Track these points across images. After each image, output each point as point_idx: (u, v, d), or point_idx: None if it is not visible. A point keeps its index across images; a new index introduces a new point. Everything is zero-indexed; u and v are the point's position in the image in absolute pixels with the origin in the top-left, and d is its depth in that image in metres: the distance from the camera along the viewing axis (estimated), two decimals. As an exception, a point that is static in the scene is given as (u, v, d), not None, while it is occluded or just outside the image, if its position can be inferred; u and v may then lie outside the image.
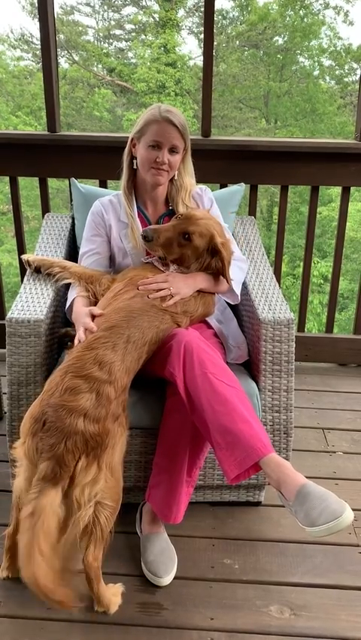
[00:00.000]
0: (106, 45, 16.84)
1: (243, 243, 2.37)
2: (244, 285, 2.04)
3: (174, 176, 2.01)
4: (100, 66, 16.00)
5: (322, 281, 10.29)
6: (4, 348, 1.82)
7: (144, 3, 16.30)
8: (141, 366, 1.67)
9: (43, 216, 2.54)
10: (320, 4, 15.24)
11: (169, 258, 1.84)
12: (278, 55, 15.45)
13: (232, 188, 2.45)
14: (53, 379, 1.54)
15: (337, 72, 15.67)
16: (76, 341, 1.68)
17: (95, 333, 1.63)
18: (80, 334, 1.68)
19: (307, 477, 1.47)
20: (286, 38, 15.45)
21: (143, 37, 16.03)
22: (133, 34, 16.42)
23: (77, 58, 15.94)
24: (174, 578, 1.72)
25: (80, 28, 16.34)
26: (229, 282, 1.88)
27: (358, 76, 15.49)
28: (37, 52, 15.30)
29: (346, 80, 15.43)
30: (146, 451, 1.85)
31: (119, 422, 1.54)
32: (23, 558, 1.34)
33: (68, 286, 1.99)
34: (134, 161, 1.99)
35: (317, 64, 15.56)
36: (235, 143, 2.72)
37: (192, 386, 1.60)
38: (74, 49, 15.90)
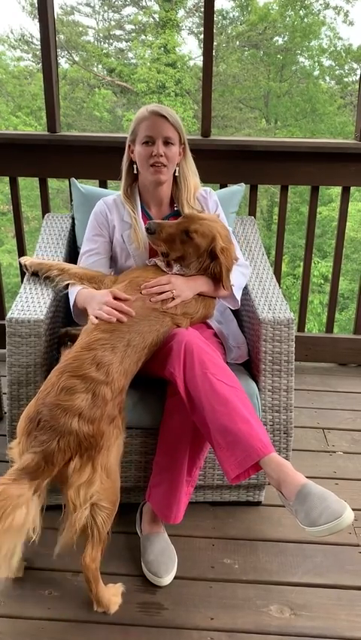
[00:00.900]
0: (106, 45, 16.85)
1: (243, 243, 2.37)
2: (244, 285, 2.04)
3: (177, 176, 2.00)
4: (100, 66, 16.01)
5: (322, 281, 10.29)
6: (5, 348, 1.82)
7: (144, 3, 16.31)
8: (139, 368, 1.67)
9: (43, 216, 2.54)
10: (320, 5, 15.25)
11: (171, 255, 1.84)
12: (278, 56, 15.46)
13: (232, 188, 2.45)
14: (49, 379, 1.54)
15: (337, 72, 15.69)
16: (91, 322, 1.67)
17: (95, 335, 1.63)
18: (99, 313, 1.66)
19: (307, 477, 1.47)
20: (286, 38, 15.47)
21: (143, 37, 16.04)
22: (133, 34, 16.42)
23: (77, 59, 15.95)
24: (174, 578, 1.72)
25: (80, 29, 16.35)
26: (226, 289, 1.86)
27: (358, 76, 15.47)
28: (38, 53, 15.30)
29: (346, 80, 15.45)
30: (146, 451, 1.85)
31: (115, 424, 1.54)
32: None
33: (67, 287, 1.97)
34: (134, 165, 1.99)
35: (317, 64, 15.58)
36: (235, 143, 2.72)
37: (193, 386, 1.60)
38: (74, 49, 15.91)
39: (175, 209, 2.04)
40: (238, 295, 1.95)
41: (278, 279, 2.71)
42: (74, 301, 1.87)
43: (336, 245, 2.86)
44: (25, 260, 2.04)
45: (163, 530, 1.82)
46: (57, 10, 7.50)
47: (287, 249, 10.98)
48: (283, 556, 1.82)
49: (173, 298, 1.76)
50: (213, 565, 1.79)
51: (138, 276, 1.84)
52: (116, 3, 16.68)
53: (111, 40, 16.91)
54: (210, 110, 2.62)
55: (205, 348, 1.67)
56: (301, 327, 2.97)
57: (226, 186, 2.61)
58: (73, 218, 2.39)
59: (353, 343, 2.96)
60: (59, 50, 13.54)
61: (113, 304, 1.68)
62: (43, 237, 2.31)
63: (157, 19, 15.56)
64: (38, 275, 2.00)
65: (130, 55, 16.48)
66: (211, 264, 1.84)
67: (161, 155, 1.90)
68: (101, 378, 1.51)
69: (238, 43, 15.50)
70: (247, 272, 2.03)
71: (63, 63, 15.77)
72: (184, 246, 1.82)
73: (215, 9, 2.49)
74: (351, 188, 2.79)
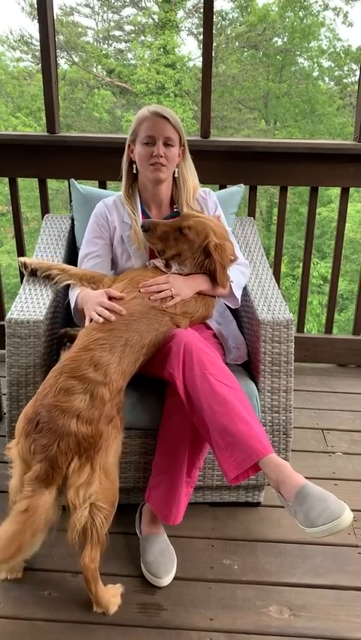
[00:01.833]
0: (105, 46, 16.85)
1: (242, 243, 2.37)
2: (244, 286, 2.04)
3: (176, 177, 2.01)
4: (99, 67, 16.01)
5: (321, 282, 10.30)
6: (4, 349, 1.82)
7: (143, 4, 16.32)
8: (138, 369, 1.67)
9: (42, 217, 2.54)
10: (320, 6, 15.26)
11: (167, 252, 1.84)
12: (278, 56, 15.46)
13: (232, 189, 2.45)
14: (47, 379, 1.54)
15: (336, 73, 15.69)
16: (87, 322, 1.69)
17: (93, 334, 1.63)
18: (92, 314, 1.68)
19: (306, 477, 1.47)
20: (285, 39, 15.47)
21: (142, 38, 16.04)
22: (132, 35, 16.42)
23: (76, 59, 15.95)
24: (174, 579, 1.72)
25: (80, 30, 16.35)
26: (222, 286, 1.86)
27: (357, 77, 15.48)
28: (37, 54, 15.29)
29: (345, 81, 15.45)
30: (145, 452, 1.85)
31: (114, 424, 1.54)
32: (2, 543, 1.36)
33: (67, 288, 1.98)
34: (134, 165, 1.99)
35: (316, 65, 15.59)
36: (235, 144, 2.72)
37: (192, 387, 1.60)
38: (74, 50, 15.90)
39: (175, 210, 2.04)
40: (238, 294, 1.95)
41: (277, 280, 2.71)
42: (75, 304, 1.88)
43: (335, 246, 2.86)
44: (24, 259, 2.04)
45: (162, 531, 1.82)
46: (56, 11, 7.52)
47: (286, 250, 11.00)
48: (283, 557, 1.82)
49: (172, 297, 1.76)
50: (213, 565, 1.79)
51: (137, 275, 1.84)
52: (116, 4, 16.69)
53: (111, 41, 16.92)
54: (210, 110, 2.62)
55: (205, 349, 1.67)
56: (300, 327, 2.96)
57: (226, 187, 2.61)
58: (72, 219, 2.39)
59: (353, 344, 2.96)
60: (58, 51, 13.48)
61: (107, 304, 1.69)
62: (43, 238, 2.31)
63: (156, 20, 15.56)
64: (37, 274, 2.00)
65: (129, 55, 16.50)
66: (206, 260, 1.84)
67: (161, 156, 1.90)
68: (99, 379, 1.52)
69: (237, 44, 15.51)
70: (247, 271, 2.03)
71: (62, 64, 15.77)
72: (178, 242, 1.82)
73: (214, 10, 2.49)
74: (350, 189, 2.79)
